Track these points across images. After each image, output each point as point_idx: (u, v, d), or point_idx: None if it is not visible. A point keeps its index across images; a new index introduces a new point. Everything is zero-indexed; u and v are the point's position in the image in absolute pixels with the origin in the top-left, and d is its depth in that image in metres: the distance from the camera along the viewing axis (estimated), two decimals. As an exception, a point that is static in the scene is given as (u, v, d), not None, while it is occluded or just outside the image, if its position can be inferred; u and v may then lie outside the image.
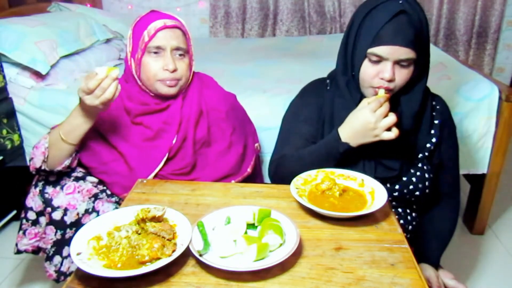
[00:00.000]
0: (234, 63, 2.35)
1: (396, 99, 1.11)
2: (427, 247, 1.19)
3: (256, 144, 1.46)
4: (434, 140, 1.17)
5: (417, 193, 1.15)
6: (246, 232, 0.88)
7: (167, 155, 1.24)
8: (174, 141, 1.25)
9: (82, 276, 0.78)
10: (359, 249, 0.85)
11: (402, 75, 1.05)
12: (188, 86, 1.28)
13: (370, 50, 1.04)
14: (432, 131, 1.17)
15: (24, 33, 1.92)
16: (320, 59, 2.36)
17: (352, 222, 0.94)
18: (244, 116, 1.45)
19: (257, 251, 0.79)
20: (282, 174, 1.17)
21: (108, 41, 2.45)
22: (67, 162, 1.20)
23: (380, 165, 1.13)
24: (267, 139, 1.68)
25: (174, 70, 1.19)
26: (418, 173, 1.15)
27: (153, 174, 1.23)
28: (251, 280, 0.77)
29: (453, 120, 1.23)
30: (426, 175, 1.15)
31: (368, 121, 1.02)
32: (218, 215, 0.91)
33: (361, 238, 0.89)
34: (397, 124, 1.10)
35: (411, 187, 1.14)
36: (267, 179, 1.72)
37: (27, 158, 1.95)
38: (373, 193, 1.00)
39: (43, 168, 1.18)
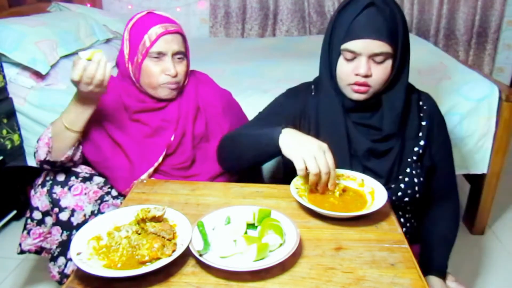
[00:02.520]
0: (234, 63, 2.35)
1: (378, 100, 1.09)
2: (432, 256, 1.16)
3: None
4: (422, 143, 1.13)
5: (407, 199, 1.12)
6: (246, 232, 0.88)
7: (164, 152, 1.25)
8: (172, 138, 1.26)
9: (82, 276, 0.78)
10: (359, 249, 0.85)
11: (379, 71, 1.03)
12: (184, 85, 1.29)
13: (343, 46, 1.02)
14: (420, 134, 1.14)
15: (24, 33, 1.92)
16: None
17: (352, 222, 0.94)
18: (240, 113, 1.46)
19: (257, 251, 0.79)
20: (222, 149, 1.19)
21: (108, 41, 2.45)
22: (70, 152, 1.21)
23: (367, 172, 1.09)
24: (267, 139, 1.67)
25: (175, 75, 1.21)
26: (406, 179, 1.11)
27: (152, 169, 1.24)
28: (251, 280, 0.77)
29: (442, 117, 1.19)
30: (416, 180, 1.11)
31: (315, 145, 0.97)
32: (218, 215, 0.91)
33: (361, 238, 0.89)
34: (379, 128, 1.09)
35: (399, 193, 1.11)
36: (266, 180, 1.72)
37: (27, 158, 1.95)
38: (373, 193, 1.00)
39: (47, 159, 1.19)
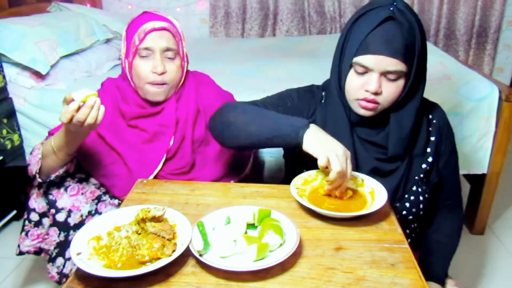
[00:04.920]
0: (234, 63, 2.35)
1: (385, 117, 1.04)
2: (432, 263, 1.14)
3: None
4: (430, 159, 1.09)
5: (411, 217, 1.09)
6: (246, 232, 0.88)
7: (165, 156, 1.24)
8: (171, 143, 1.25)
9: (82, 276, 0.78)
10: (359, 249, 0.85)
11: (390, 90, 0.97)
12: (182, 87, 1.28)
13: (355, 60, 0.97)
14: (428, 149, 1.09)
15: (24, 33, 1.92)
16: (320, 59, 2.36)
17: (352, 222, 0.93)
18: None
19: (257, 251, 0.79)
20: (223, 115, 1.07)
21: (108, 41, 2.45)
22: (61, 171, 1.17)
23: None
24: (267, 139, 1.67)
25: (163, 73, 1.18)
26: (412, 197, 1.08)
27: (152, 176, 1.23)
28: (251, 280, 0.77)
29: (451, 129, 1.14)
30: (421, 198, 1.08)
31: (341, 147, 0.92)
32: (218, 215, 0.91)
33: (361, 238, 0.89)
34: (385, 147, 1.04)
35: (404, 212, 1.08)
36: (266, 179, 1.72)
37: (27, 158, 1.96)
38: (373, 193, 1.00)
39: (37, 178, 1.17)
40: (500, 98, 1.78)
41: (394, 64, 0.94)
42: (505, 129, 1.79)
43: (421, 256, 1.18)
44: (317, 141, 0.93)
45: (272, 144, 1.01)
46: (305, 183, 1.04)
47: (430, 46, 2.47)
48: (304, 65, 2.25)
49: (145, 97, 1.22)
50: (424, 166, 1.09)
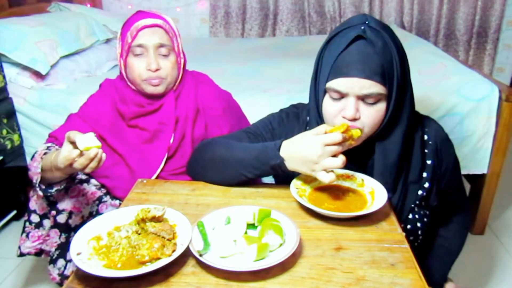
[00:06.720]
0: (234, 63, 2.35)
1: (371, 146, 0.97)
2: (432, 268, 1.12)
3: None
4: (427, 185, 1.01)
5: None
6: (246, 232, 0.88)
7: (166, 155, 1.24)
8: (171, 141, 1.25)
9: (82, 276, 0.78)
10: (359, 249, 0.85)
11: (370, 114, 0.90)
12: (181, 85, 1.28)
13: (328, 85, 0.90)
14: (424, 174, 1.01)
15: (24, 33, 1.93)
16: (320, 59, 2.36)
17: (352, 222, 0.93)
18: (241, 114, 1.45)
19: (257, 251, 0.79)
20: (199, 156, 1.07)
21: (108, 41, 2.45)
22: (62, 186, 1.15)
23: None
24: (267, 139, 1.67)
25: (157, 69, 1.19)
26: (408, 226, 1.01)
27: (154, 176, 1.24)
28: (251, 280, 0.77)
29: (450, 144, 1.05)
30: (419, 224, 1.01)
31: (313, 152, 0.87)
32: (218, 215, 0.91)
33: (361, 238, 0.89)
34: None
35: None
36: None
37: (27, 158, 1.96)
38: (373, 193, 1.00)
39: (38, 191, 1.13)
40: (500, 98, 1.78)
41: (369, 87, 0.87)
42: (505, 129, 1.79)
43: (421, 258, 1.17)
44: (294, 159, 0.92)
45: (260, 175, 1.01)
46: (305, 183, 1.04)
47: (430, 46, 2.49)
48: (304, 65, 2.24)
49: (145, 92, 1.23)
50: (420, 192, 1.02)
